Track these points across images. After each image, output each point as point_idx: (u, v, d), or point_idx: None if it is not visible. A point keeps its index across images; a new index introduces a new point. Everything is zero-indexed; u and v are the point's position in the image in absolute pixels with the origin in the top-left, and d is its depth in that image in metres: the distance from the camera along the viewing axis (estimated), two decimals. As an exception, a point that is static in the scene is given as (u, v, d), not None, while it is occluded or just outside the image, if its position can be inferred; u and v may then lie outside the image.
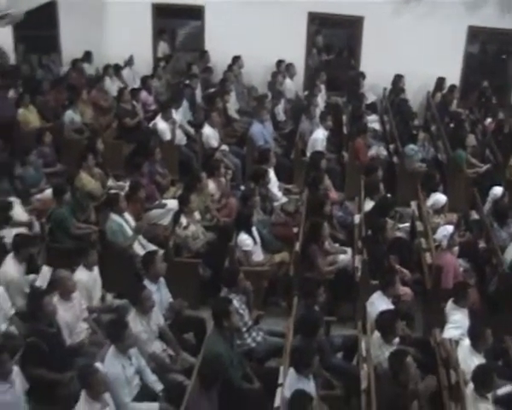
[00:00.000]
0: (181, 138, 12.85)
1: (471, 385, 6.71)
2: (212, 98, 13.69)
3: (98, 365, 6.63)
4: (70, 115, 13.05)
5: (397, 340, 7.37)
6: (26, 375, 6.95)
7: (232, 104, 14.16)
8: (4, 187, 10.23)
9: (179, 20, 17.15)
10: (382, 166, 11.51)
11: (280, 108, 14.06)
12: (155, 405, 6.85)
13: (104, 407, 6.38)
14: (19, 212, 9.91)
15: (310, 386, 6.63)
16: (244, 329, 7.76)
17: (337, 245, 9.69)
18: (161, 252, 8.83)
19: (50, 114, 13.81)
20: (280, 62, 15.27)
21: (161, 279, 8.18)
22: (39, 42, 16.86)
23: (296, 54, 15.49)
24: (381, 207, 9.78)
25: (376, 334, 7.36)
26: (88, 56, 16.16)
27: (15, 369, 6.75)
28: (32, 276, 8.75)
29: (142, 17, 15.94)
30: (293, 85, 15.28)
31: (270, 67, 15.30)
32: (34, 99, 13.72)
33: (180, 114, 13.26)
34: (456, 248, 9.15)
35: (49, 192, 10.38)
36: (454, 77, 15.34)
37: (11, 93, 14.44)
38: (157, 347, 7.53)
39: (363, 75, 15.11)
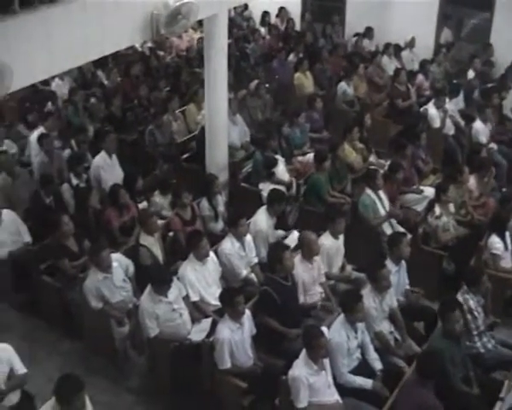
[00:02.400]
0: (449, 128, 12.50)
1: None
2: (489, 93, 13.13)
3: (324, 329, 6.76)
4: (343, 87, 13.37)
5: None
6: (256, 321, 7.29)
7: (509, 102, 13.48)
8: (272, 145, 10.65)
9: (467, 10, 16.53)
10: None
11: (560, 116, 13.16)
12: (369, 381, 6.83)
13: (320, 371, 6.49)
14: (282, 170, 10.36)
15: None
16: (475, 332, 7.43)
17: None
18: (409, 236, 8.73)
19: (325, 83, 14.23)
20: None
21: (403, 263, 8.07)
22: (326, 12, 17.36)
23: None
24: None
25: None
26: (369, 32, 16.33)
27: (247, 313, 7.11)
28: (279, 232, 9.12)
29: (429, 0, 15.68)
30: None
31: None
32: (312, 66, 14.15)
33: (453, 104, 12.92)
34: None
35: (310, 156, 10.73)
36: None
37: (291, 57, 15.05)
38: (385, 327, 7.47)
39: None
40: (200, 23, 13.93)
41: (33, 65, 6.57)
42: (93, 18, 7.04)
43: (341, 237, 8.53)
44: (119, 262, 8.07)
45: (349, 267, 8.65)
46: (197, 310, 7.79)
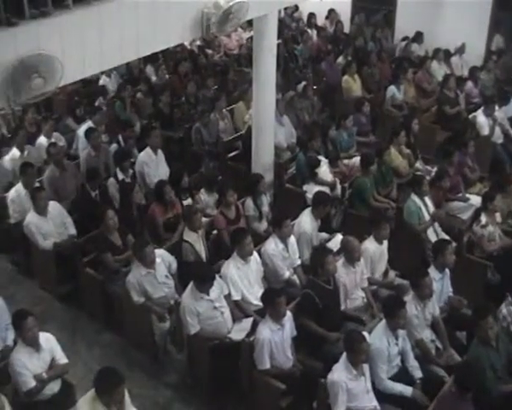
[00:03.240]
0: (498, 136, 12.30)
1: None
2: (540, 102, 12.94)
3: (365, 334, 6.71)
4: (392, 91, 13.29)
5: None
6: (297, 323, 7.25)
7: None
8: (314, 145, 10.63)
9: (519, 16, 16.28)
10: None
11: None
12: (409, 388, 6.75)
13: (360, 376, 6.45)
14: (324, 171, 10.31)
15: None
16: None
17: None
18: (453, 244, 8.63)
19: (374, 86, 14.14)
20: None
21: (447, 271, 7.98)
22: (376, 16, 17.23)
23: None
24: None
25: None
26: (418, 37, 16.19)
27: (288, 314, 7.08)
28: (323, 234, 9.08)
29: (481, 6, 15.43)
30: None
31: None
32: (360, 69, 14.07)
33: (502, 112, 12.71)
34: None
35: (356, 160, 10.69)
36: None
37: (340, 60, 15.01)
38: (426, 335, 7.38)
39: None
40: (249, 23, 13.95)
41: (84, 59, 6.62)
42: (145, 15, 7.09)
43: (385, 242, 8.45)
44: (163, 258, 8.11)
45: (392, 273, 8.57)
46: (238, 309, 7.79)
